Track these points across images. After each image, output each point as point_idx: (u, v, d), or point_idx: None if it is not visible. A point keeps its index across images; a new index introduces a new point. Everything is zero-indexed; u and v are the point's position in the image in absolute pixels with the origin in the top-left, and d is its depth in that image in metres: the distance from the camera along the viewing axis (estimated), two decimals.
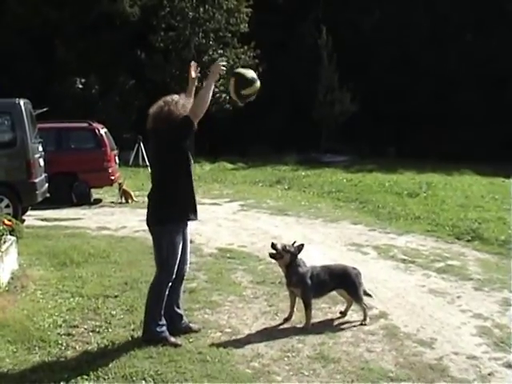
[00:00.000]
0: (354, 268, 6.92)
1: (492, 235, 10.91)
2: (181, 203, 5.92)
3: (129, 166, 23.04)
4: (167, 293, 5.94)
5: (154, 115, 5.90)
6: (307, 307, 6.52)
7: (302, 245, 6.69)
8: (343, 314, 6.84)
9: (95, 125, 17.16)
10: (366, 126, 35.55)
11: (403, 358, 5.63)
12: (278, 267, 6.87)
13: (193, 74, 6.38)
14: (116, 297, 7.35)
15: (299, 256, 6.64)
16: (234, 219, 13.35)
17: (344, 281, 6.76)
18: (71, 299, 7.24)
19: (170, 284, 5.94)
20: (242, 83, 6.13)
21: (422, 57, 36.58)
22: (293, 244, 6.70)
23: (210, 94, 5.83)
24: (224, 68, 6.08)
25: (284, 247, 6.62)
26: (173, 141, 5.78)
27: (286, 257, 6.59)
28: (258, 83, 6.17)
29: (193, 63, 6.46)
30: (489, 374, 5.39)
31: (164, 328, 5.92)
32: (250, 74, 6.20)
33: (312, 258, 7.65)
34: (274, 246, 6.63)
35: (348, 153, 33.86)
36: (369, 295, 6.92)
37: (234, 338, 6.13)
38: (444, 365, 5.52)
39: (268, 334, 6.23)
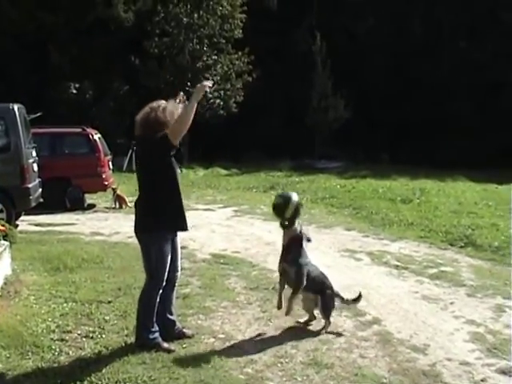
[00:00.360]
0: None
1: (485, 241, 10.93)
2: (167, 212, 5.89)
3: (122, 172, 23.02)
4: (159, 299, 5.92)
5: (141, 122, 5.89)
6: (295, 291, 6.51)
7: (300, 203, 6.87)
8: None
9: (89, 130, 17.14)
10: (360, 132, 35.65)
11: (396, 364, 5.64)
12: (272, 272, 6.86)
13: (177, 100, 6.30)
14: (109, 302, 7.34)
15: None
16: (228, 225, 13.35)
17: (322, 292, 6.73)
18: (64, 304, 7.22)
19: (162, 291, 5.93)
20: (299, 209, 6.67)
21: (416, 63, 36.69)
22: None
23: (192, 113, 5.79)
24: (209, 89, 6.00)
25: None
26: (155, 152, 5.79)
27: (296, 228, 6.61)
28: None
29: (181, 94, 6.32)
30: (482, 380, 5.40)
31: (156, 334, 5.91)
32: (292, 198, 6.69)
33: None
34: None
35: (342, 159, 33.94)
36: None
37: (227, 343, 6.13)
38: (437, 371, 5.53)
39: (261, 340, 6.23)
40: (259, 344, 6.10)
